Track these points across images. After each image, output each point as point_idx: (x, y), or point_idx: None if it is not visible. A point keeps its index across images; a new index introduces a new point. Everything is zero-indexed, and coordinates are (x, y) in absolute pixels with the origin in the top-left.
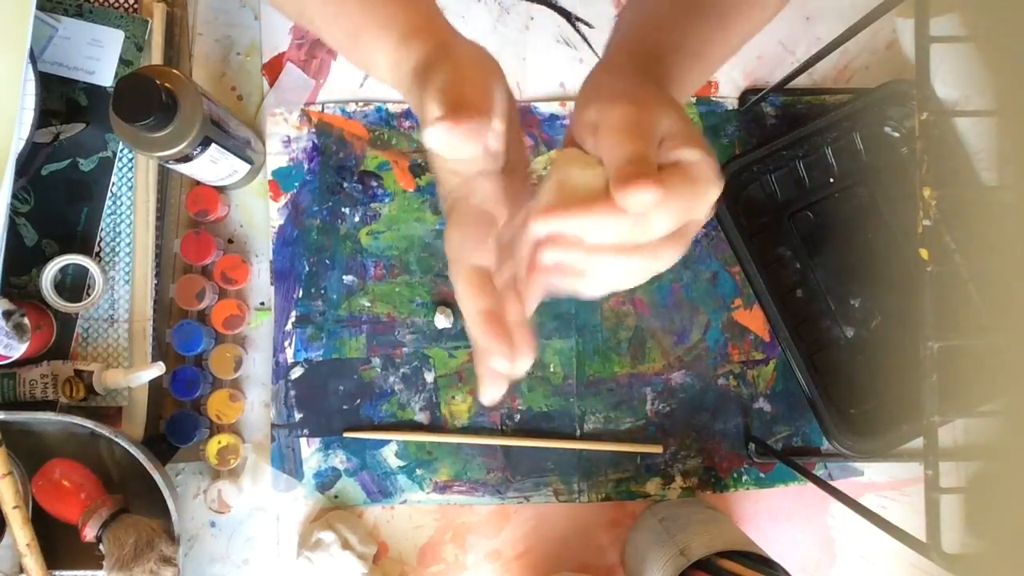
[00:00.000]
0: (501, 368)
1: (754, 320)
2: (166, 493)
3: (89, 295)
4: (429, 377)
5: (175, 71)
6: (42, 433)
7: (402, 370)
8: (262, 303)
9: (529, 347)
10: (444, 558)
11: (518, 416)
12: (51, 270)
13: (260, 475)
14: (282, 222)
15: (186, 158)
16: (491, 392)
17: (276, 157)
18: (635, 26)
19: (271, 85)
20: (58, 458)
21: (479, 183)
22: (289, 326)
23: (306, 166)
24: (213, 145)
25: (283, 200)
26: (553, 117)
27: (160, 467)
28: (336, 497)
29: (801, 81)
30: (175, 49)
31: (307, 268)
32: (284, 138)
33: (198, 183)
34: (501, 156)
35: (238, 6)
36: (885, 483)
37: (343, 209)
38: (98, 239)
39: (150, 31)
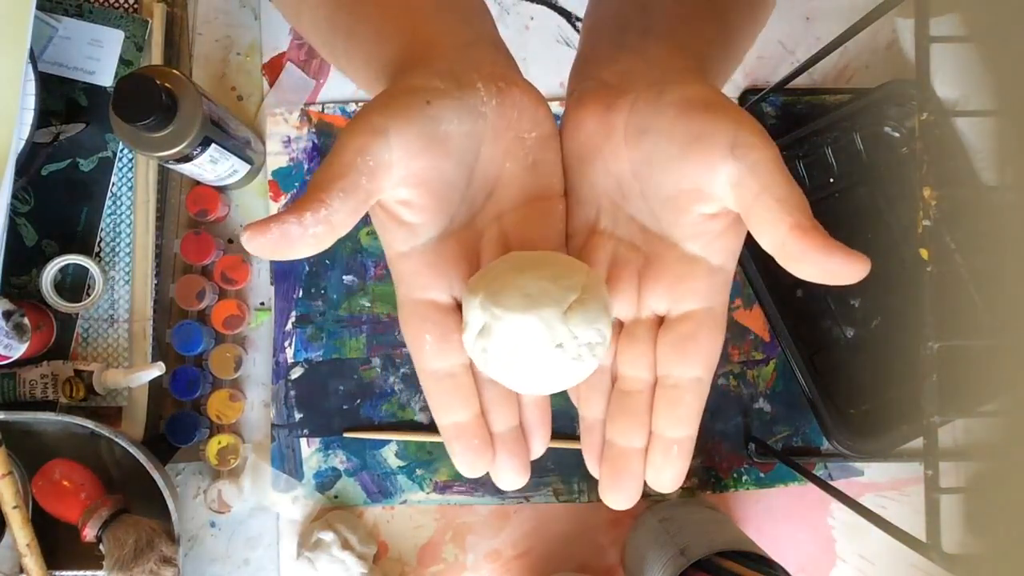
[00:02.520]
0: (471, 475)
1: (754, 320)
2: (166, 493)
3: (89, 295)
4: None
5: (175, 71)
6: (42, 433)
7: (402, 370)
8: (262, 303)
9: (518, 469)
10: (444, 558)
11: None
12: (51, 270)
13: (260, 475)
14: None
15: (186, 158)
16: (468, 471)
17: (276, 157)
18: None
19: (271, 85)
20: (58, 458)
21: (407, 264)
22: (289, 326)
23: (306, 166)
24: (213, 145)
25: (283, 200)
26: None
27: (160, 467)
28: (336, 497)
29: (801, 81)
30: (175, 49)
31: (307, 268)
32: (284, 138)
33: (198, 183)
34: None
35: (238, 6)
36: (885, 483)
37: None
38: (98, 239)
39: (150, 31)
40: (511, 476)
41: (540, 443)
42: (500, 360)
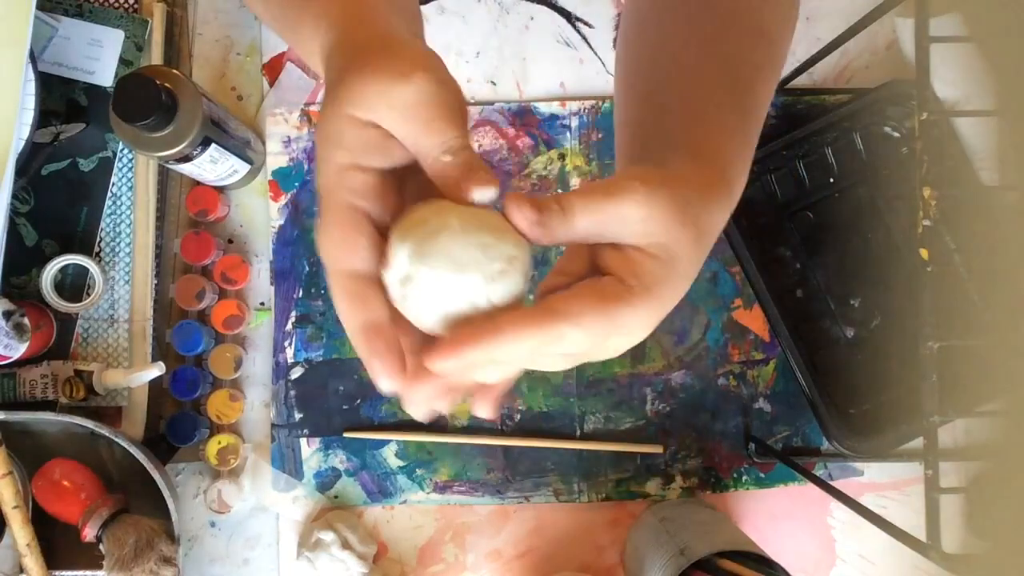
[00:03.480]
0: (388, 391)
1: (754, 320)
2: (166, 493)
3: (89, 295)
4: None
5: (175, 71)
6: (42, 433)
7: None
8: (262, 303)
9: (435, 388)
10: (444, 558)
11: (518, 416)
12: (51, 270)
13: (260, 475)
14: (282, 222)
15: (186, 158)
16: (417, 411)
17: (276, 157)
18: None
19: (271, 85)
20: (58, 458)
21: (355, 176)
22: (289, 326)
23: (306, 166)
24: (213, 145)
25: (283, 200)
26: (553, 117)
27: (160, 467)
28: (336, 497)
29: (801, 81)
30: (175, 49)
31: (307, 268)
32: (284, 138)
33: (198, 183)
34: (396, 155)
35: (238, 6)
36: (885, 483)
37: None
38: (98, 239)
39: (150, 31)
40: (431, 391)
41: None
42: (419, 309)
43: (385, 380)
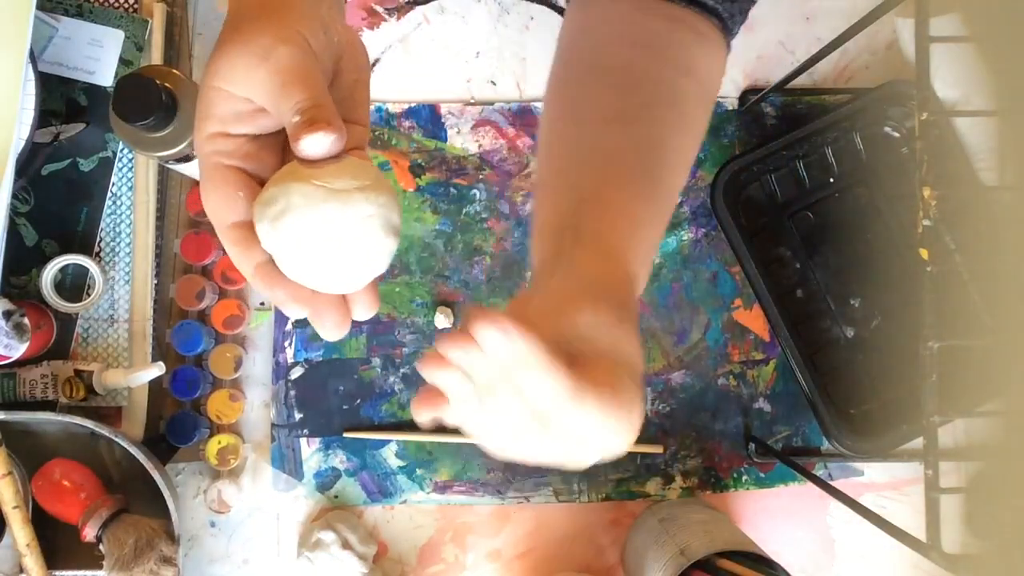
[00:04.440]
0: (296, 315)
1: (754, 320)
2: (166, 493)
3: (89, 295)
4: None
5: (175, 71)
6: (42, 433)
7: (402, 370)
8: (262, 303)
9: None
10: (444, 558)
11: None
12: (51, 270)
13: (260, 475)
14: None
15: (186, 158)
16: (328, 333)
17: None
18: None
19: None
20: (58, 458)
21: (225, 142)
22: (289, 326)
23: None
24: None
25: None
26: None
27: (160, 467)
28: (336, 497)
29: (801, 81)
30: (175, 49)
31: None
32: None
33: (198, 183)
34: (264, 123)
35: None
36: (885, 483)
37: None
38: (98, 239)
39: (150, 31)
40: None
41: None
42: (293, 275)
43: (293, 307)
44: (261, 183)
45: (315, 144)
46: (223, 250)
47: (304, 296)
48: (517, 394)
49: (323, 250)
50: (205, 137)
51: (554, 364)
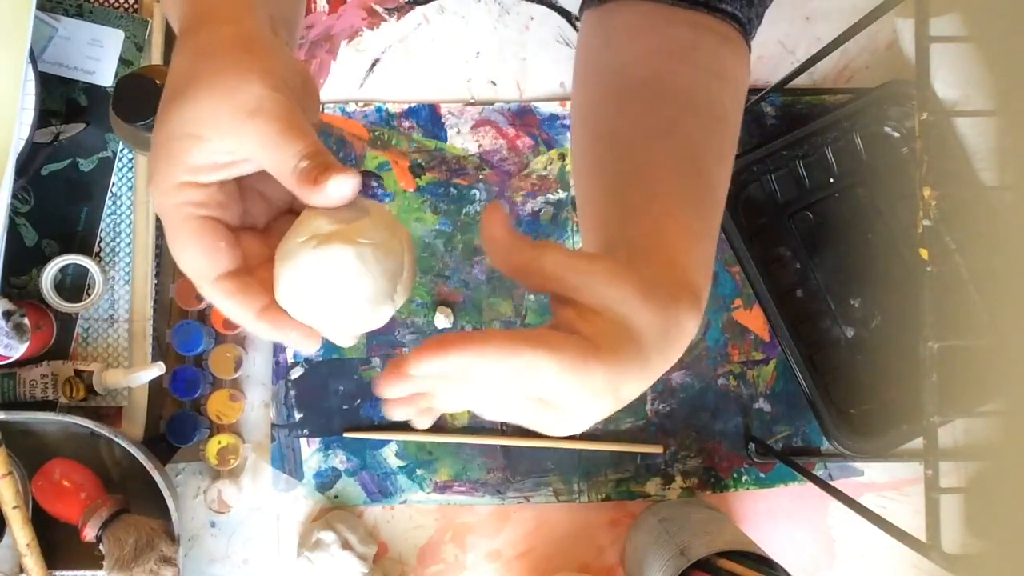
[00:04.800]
0: (307, 350)
1: (754, 320)
2: (166, 493)
3: (89, 295)
4: None
5: None
6: (42, 433)
7: None
8: None
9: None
10: (444, 558)
11: None
12: (51, 270)
13: (260, 475)
14: None
15: None
16: (342, 339)
17: None
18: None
19: None
20: (58, 458)
21: (196, 192)
22: None
23: None
24: None
25: None
26: (553, 117)
27: (160, 467)
28: (336, 497)
29: (801, 81)
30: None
31: None
32: None
33: None
34: (240, 170)
35: None
36: (885, 483)
37: None
38: (98, 239)
39: (150, 31)
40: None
41: None
42: (301, 292)
43: (307, 342)
44: (233, 228)
45: (340, 187)
46: None
47: (312, 331)
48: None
49: (337, 300)
50: (174, 186)
51: (510, 349)
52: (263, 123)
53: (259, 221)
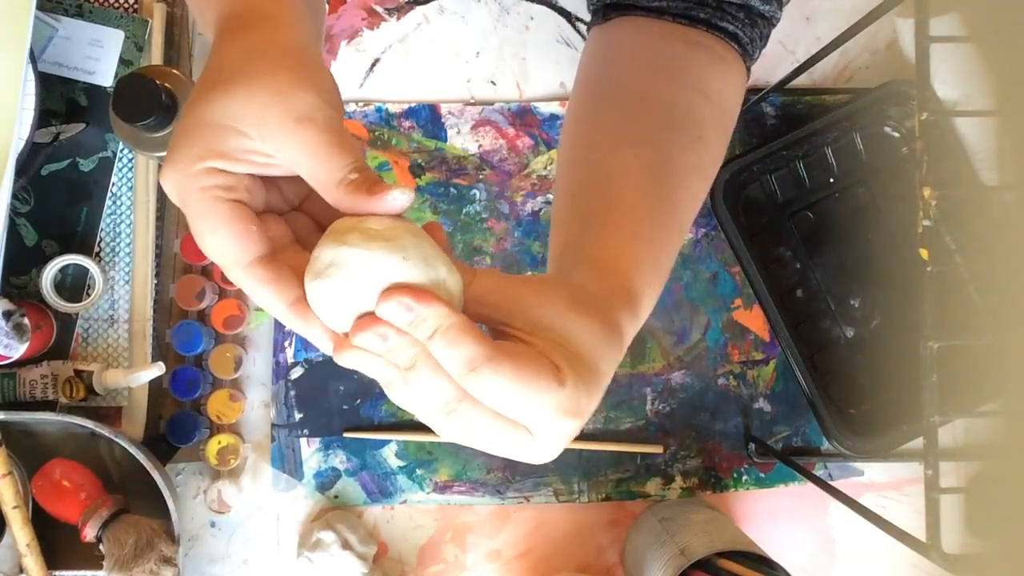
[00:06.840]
0: (328, 349)
1: (754, 320)
2: (166, 493)
3: (89, 295)
4: None
5: (175, 71)
6: (42, 433)
7: None
8: None
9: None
10: (444, 558)
11: None
12: (51, 270)
13: (260, 475)
14: None
15: None
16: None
17: None
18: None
19: None
20: (58, 458)
21: (224, 177)
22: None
23: None
24: None
25: None
26: (553, 117)
27: (160, 467)
28: (336, 497)
29: (801, 81)
30: (175, 49)
31: None
32: None
33: None
34: (274, 170)
35: None
36: (885, 483)
37: None
38: (98, 239)
39: (150, 31)
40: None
41: None
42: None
43: (329, 343)
44: (257, 215)
45: (397, 200)
46: None
47: (336, 333)
48: (436, 369)
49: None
50: (202, 170)
51: (465, 329)
52: (313, 132)
53: (279, 209)
